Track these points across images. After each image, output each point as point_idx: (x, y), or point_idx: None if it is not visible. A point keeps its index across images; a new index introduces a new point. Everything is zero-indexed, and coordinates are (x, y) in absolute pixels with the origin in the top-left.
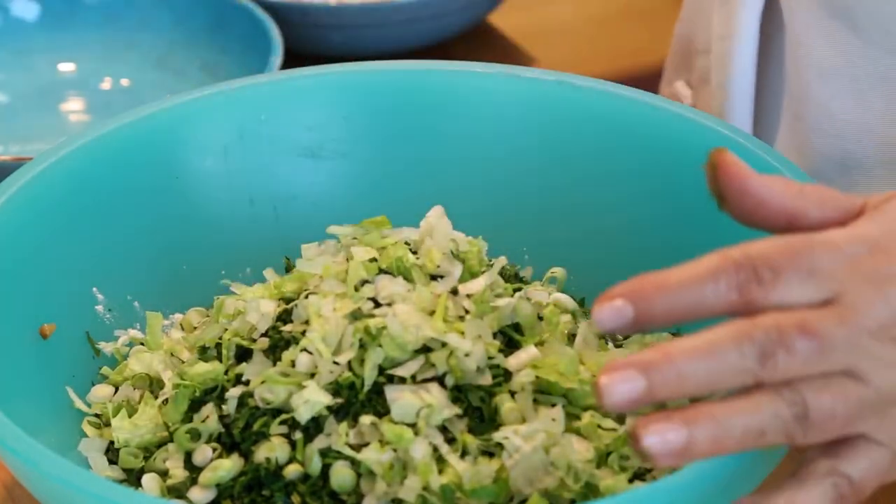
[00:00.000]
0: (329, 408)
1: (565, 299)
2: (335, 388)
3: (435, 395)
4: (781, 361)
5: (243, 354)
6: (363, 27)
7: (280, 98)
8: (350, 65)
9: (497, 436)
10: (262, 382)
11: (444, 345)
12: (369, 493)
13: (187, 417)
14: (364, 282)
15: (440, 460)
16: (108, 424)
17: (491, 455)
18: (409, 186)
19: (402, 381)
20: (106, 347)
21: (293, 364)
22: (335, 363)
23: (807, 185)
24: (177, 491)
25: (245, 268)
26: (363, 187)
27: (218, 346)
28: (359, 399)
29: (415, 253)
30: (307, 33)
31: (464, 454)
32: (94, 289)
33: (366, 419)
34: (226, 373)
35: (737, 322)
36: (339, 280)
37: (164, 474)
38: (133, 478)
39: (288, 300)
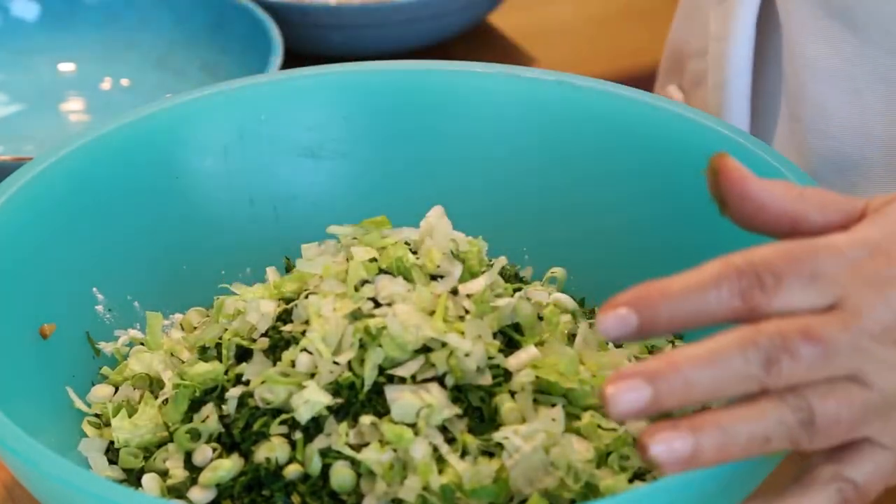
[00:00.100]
0: (329, 408)
1: (565, 299)
2: (335, 388)
3: (435, 395)
4: (786, 367)
5: (243, 354)
6: (363, 27)
7: (280, 98)
8: (350, 65)
9: (497, 436)
10: (262, 382)
11: (444, 345)
12: (369, 493)
13: (187, 417)
14: (364, 282)
15: (440, 460)
16: (108, 424)
17: (491, 455)
18: (409, 186)
19: (402, 381)
20: (106, 347)
21: (293, 364)
22: (335, 363)
23: (807, 189)
24: (177, 491)
25: (245, 268)
26: (363, 187)
27: (218, 346)
28: (359, 399)
29: (415, 253)
30: (307, 33)
31: (464, 454)
32: (94, 289)
33: (366, 419)
34: (226, 373)
35: (741, 329)
36: (339, 280)
37: (164, 474)
38: (133, 478)
39: (288, 300)
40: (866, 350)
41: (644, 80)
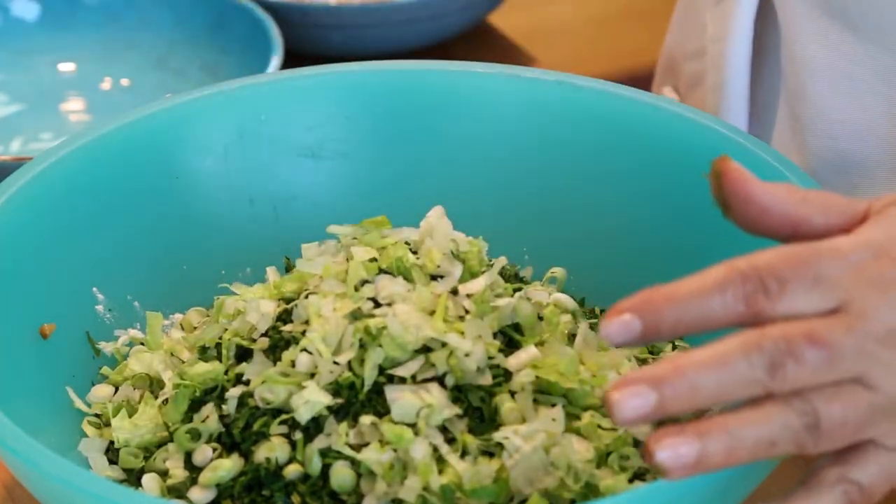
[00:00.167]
0: (329, 408)
1: (565, 299)
2: (335, 388)
3: (435, 395)
4: (791, 371)
5: (243, 354)
6: (363, 27)
7: (280, 98)
8: (350, 65)
9: (497, 436)
10: (263, 382)
11: (444, 345)
12: (369, 493)
13: (187, 417)
14: (364, 282)
15: (440, 460)
16: (108, 424)
17: (491, 455)
18: (409, 186)
19: (402, 381)
20: (106, 347)
21: (293, 364)
22: (335, 363)
23: (810, 192)
24: (177, 491)
25: (245, 268)
26: (363, 187)
27: (218, 346)
28: (359, 399)
29: (415, 253)
30: (307, 33)
31: (464, 454)
32: (94, 289)
33: (366, 419)
34: (226, 373)
35: (745, 333)
36: (339, 280)
37: (164, 474)
38: (133, 478)
39: (288, 300)
40: (871, 353)
41: (644, 80)
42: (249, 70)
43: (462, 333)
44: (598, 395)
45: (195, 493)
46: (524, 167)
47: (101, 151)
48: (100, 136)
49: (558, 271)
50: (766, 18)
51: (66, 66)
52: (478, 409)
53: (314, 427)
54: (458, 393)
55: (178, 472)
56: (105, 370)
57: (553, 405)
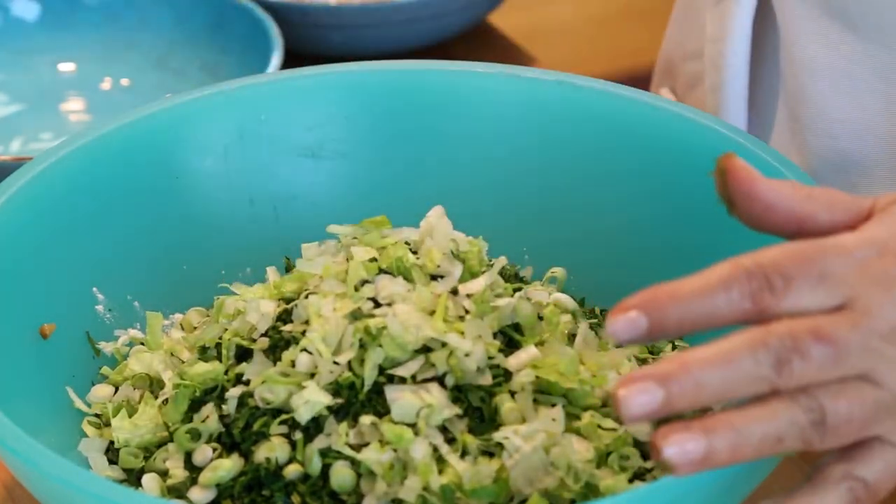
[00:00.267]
0: (329, 408)
1: (565, 299)
2: (335, 388)
3: (435, 395)
4: (797, 368)
5: (243, 354)
6: (363, 27)
7: (280, 98)
8: (350, 65)
9: (497, 436)
10: (263, 382)
11: (444, 345)
12: (369, 493)
13: (187, 417)
14: (364, 282)
15: (440, 460)
16: (108, 424)
17: (491, 455)
18: (409, 186)
19: (403, 381)
20: (106, 347)
21: (293, 364)
22: (335, 363)
23: (815, 189)
24: (177, 491)
25: (245, 268)
26: (363, 187)
27: (218, 346)
28: (359, 399)
29: (415, 253)
30: (307, 33)
31: (464, 454)
32: (94, 289)
33: (366, 419)
34: (226, 373)
35: (751, 330)
36: (339, 280)
37: (164, 474)
38: (133, 478)
39: (288, 300)
40: (876, 349)
41: (644, 80)
42: (249, 70)
43: (462, 333)
44: (599, 395)
45: (195, 493)
46: (524, 167)
47: (101, 151)
48: (100, 136)
49: (558, 271)
50: (765, 19)
51: (66, 66)
52: (478, 409)
53: (314, 427)
54: (458, 393)
55: (178, 472)
56: (105, 370)
57: (553, 405)
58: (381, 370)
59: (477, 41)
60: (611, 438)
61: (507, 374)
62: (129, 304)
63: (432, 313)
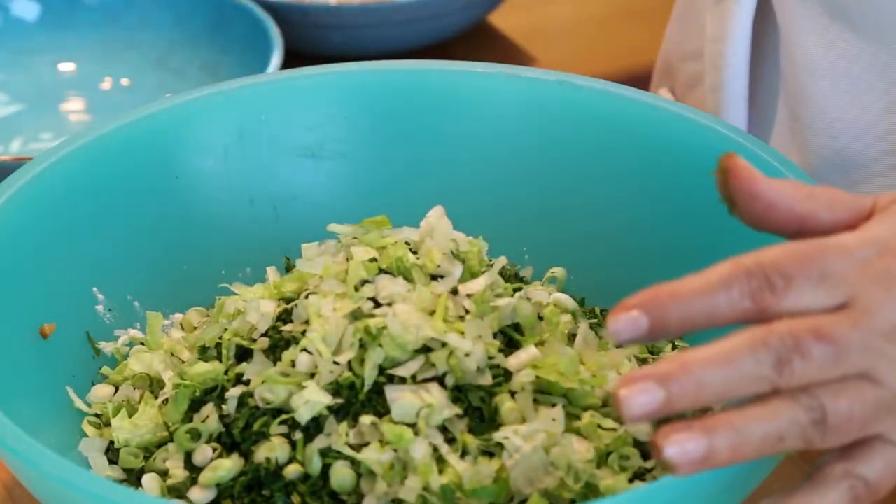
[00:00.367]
0: (329, 408)
1: (565, 299)
2: (335, 388)
3: (435, 395)
4: (798, 367)
5: (243, 354)
6: (363, 27)
7: (280, 98)
8: (350, 65)
9: (497, 436)
10: (263, 382)
11: (444, 345)
12: (369, 493)
13: (187, 417)
14: (364, 282)
15: (440, 460)
16: (108, 424)
17: (491, 455)
18: (409, 186)
19: (403, 381)
20: (106, 347)
21: (293, 364)
22: (335, 363)
23: (816, 188)
24: (177, 491)
25: (245, 268)
26: (363, 187)
27: (218, 346)
28: (359, 399)
29: (415, 253)
30: (307, 33)
31: (464, 454)
32: (94, 289)
33: (366, 419)
34: (226, 373)
35: (752, 329)
36: (339, 280)
37: (164, 474)
38: (133, 478)
39: (288, 300)
40: (877, 348)
41: (644, 80)
42: (249, 70)
43: (462, 333)
44: (599, 395)
45: (195, 493)
46: (524, 167)
47: (101, 151)
48: (100, 136)
49: (558, 271)
50: (765, 19)
51: (66, 66)
52: (478, 409)
53: (314, 427)
54: (458, 393)
55: (178, 472)
56: (105, 370)
57: (553, 405)
58: (381, 370)
59: (477, 41)
60: (611, 438)
61: (507, 374)
62: (129, 304)
63: (432, 313)
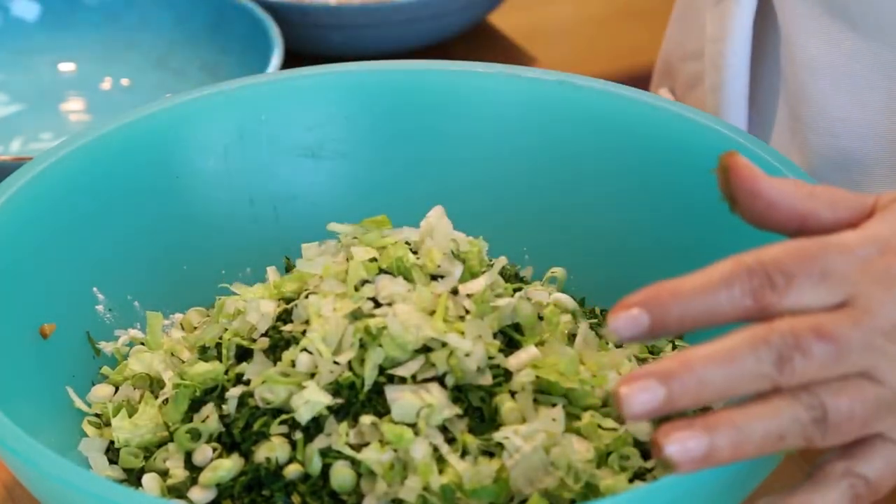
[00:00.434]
0: (329, 408)
1: (565, 299)
2: (335, 388)
3: (435, 395)
4: (798, 365)
5: (243, 354)
6: (363, 27)
7: (280, 98)
8: (350, 65)
9: (497, 436)
10: (263, 382)
11: (444, 345)
12: (369, 493)
13: (187, 417)
14: (364, 282)
15: (440, 460)
16: (108, 424)
17: (491, 455)
18: (409, 186)
19: (403, 381)
20: (106, 347)
21: (293, 364)
22: (335, 363)
23: (818, 187)
24: (177, 491)
25: (245, 268)
26: (363, 187)
27: (218, 345)
28: (359, 399)
29: (415, 253)
30: (307, 33)
31: (464, 454)
32: (95, 289)
33: (366, 419)
34: (226, 373)
35: (752, 328)
36: (339, 280)
37: (164, 474)
38: (133, 478)
39: (288, 300)
40: (878, 347)
41: (644, 80)
42: (249, 70)
43: (462, 333)
44: (599, 394)
45: (195, 493)
46: (524, 167)
47: (101, 151)
48: (100, 136)
49: (558, 271)
50: (765, 18)
51: (66, 66)
52: (478, 409)
53: (314, 427)
54: (459, 393)
55: (179, 472)
56: (105, 370)
57: (553, 405)
58: (382, 370)
59: (477, 41)
60: (611, 438)
61: (508, 374)
62: (129, 304)
63: (432, 313)
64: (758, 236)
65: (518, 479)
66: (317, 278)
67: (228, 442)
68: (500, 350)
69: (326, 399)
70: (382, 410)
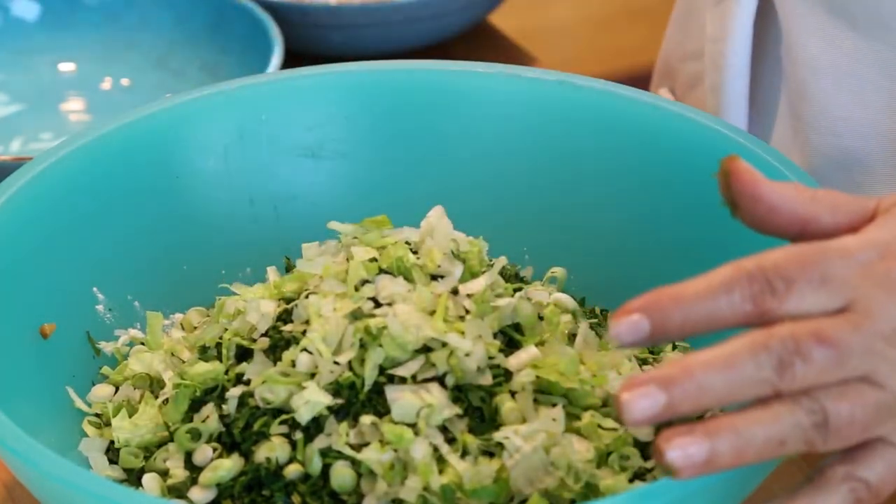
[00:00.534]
0: (329, 408)
1: (565, 299)
2: (335, 388)
3: (435, 395)
4: (799, 370)
5: (243, 354)
6: (363, 27)
7: (280, 98)
8: (350, 65)
9: (497, 436)
10: (263, 382)
11: (444, 345)
12: (369, 493)
13: (187, 417)
14: (364, 282)
15: (440, 460)
16: (108, 424)
17: (491, 455)
18: (409, 186)
19: (403, 381)
20: (106, 347)
21: (293, 364)
22: (335, 363)
23: (819, 191)
24: (177, 491)
25: (245, 268)
26: (363, 187)
27: (218, 345)
28: (359, 399)
29: (415, 253)
30: (307, 33)
31: (464, 454)
32: (95, 289)
33: (366, 419)
34: (226, 373)
35: (753, 333)
36: (339, 280)
37: (164, 474)
38: (133, 478)
39: (288, 300)
40: (878, 351)
41: (644, 80)
42: (249, 70)
43: (462, 333)
44: (599, 394)
45: (195, 493)
46: (524, 167)
47: (101, 151)
48: (100, 136)
49: (558, 271)
50: (765, 17)
51: (66, 66)
52: (478, 409)
53: (314, 427)
54: (459, 393)
55: (179, 472)
56: (105, 370)
57: (553, 405)
58: (382, 370)
59: (477, 41)
60: (611, 438)
61: (508, 374)
62: (129, 304)
63: (432, 313)
64: (758, 236)
65: (518, 479)
66: (317, 278)
67: (228, 442)
68: (501, 350)
69: (326, 399)
70: (382, 410)
